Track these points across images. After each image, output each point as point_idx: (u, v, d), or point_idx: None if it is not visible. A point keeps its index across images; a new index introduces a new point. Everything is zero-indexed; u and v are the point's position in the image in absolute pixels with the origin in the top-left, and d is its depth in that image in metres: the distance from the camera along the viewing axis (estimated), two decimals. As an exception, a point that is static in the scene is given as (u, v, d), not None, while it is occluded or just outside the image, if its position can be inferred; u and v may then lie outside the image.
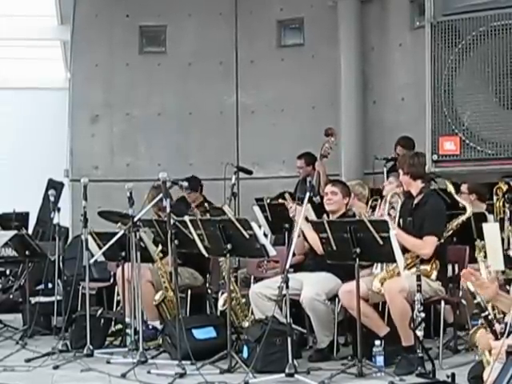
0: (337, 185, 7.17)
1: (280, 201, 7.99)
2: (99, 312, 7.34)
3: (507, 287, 6.12)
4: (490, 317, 3.99)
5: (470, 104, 3.07)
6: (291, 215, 6.92)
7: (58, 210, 7.61)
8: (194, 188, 8.92)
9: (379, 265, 6.28)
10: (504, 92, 3.01)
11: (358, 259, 5.84)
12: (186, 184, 7.68)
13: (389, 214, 6.40)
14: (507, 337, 3.14)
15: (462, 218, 6.46)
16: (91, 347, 6.82)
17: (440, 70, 3.12)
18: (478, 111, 3.06)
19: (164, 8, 11.46)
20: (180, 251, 6.96)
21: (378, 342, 6.04)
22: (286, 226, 7.25)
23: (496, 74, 3.02)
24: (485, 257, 4.58)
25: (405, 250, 6.10)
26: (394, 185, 7.13)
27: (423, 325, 5.82)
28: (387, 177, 8.24)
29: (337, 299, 6.58)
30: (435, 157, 3.15)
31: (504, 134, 3.02)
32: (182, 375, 6.00)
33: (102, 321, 7.33)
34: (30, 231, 10.14)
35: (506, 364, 3.06)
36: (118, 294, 8.01)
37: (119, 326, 7.56)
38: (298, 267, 7.12)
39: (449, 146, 3.11)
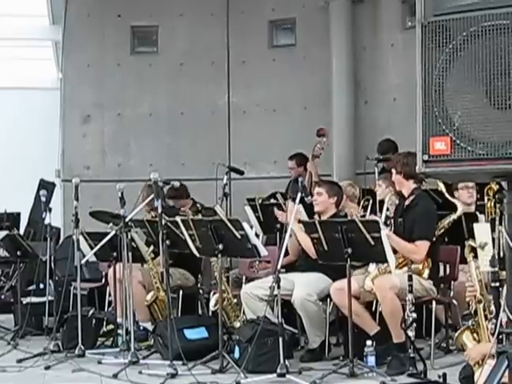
0: (323, 185, 7.16)
1: (272, 201, 7.99)
2: (91, 312, 7.34)
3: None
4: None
5: (460, 104, 3.07)
6: (279, 218, 6.95)
7: (50, 210, 7.59)
8: (181, 196, 8.82)
9: (374, 264, 6.29)
10: (494, 92, 3.01)
11: (349, 259, 5.85)
12: (177, 184, 7.66)
13: (387, 217, 6.41)
14: (497, 337, 3.15)
15: (454, 216, 6.47)
16: (83, 347, 6.81)
17: (431, 70, 3.12)
18: (469, 111, 3.06)
19: (155, 8, 11.44)
20: (172, 251, 6.95)
21: (369, 342, 6.05)
22: (278, 226, 7.26)
23: (486, 74, 3.02)
24: (474, 257, 4.59)
25: (396, 250, 6.11)
26: (384, 186, 7.14)
27: (415, 325, 5.83)
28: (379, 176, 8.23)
29: (328, 299, 6.59)
30: (426, 157, 3.14)
31: (494, 134, 3.02)
32: (173, 375, 6.00)
33: (94, 321, 7.33)
34: (22, 231, 10.11)
35: (496, 364, 3.06)
36: (110, 295, 8.01)
37: (111, 327, 7.55)
38: (289, 267, 7.13)
39: (439, 146, 3.10)
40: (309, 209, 7.19)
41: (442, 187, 6.52)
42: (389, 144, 9.02)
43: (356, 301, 6.16)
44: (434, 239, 6.34)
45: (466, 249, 4.63)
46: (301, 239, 6.78)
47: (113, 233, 6.91)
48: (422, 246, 6.18)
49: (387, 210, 6.47)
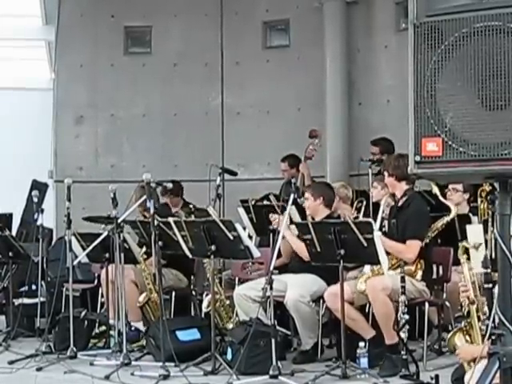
0: (307, 189, 7.17)
1: (265, 202, 7.99)
2: (83, 314, 7.32)
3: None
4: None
5: (452, 105, 3.06)
6: (274, 226, 6.94)
7: (42, 211, 7.56)
8: (175, 193, 8.89)
9: (368, 266, 6.28)
10: (486, 93, 3.00)
11: (342, 261, 5.84)
12: (170, 185, 7.66)
13: (382, 219, 6.42)
14: (488, 339, 3.15)
15: (447, 218, 6.47)
16: (75, 349, 6.81)
17: (423, 71, 3.11)
18: (461, 112, 3.05)
19: (149, 8, 11.43)
20: (164, 252, 6.93)
21: (362, 344, 6.06)
22: (271, 227, 7.24)
23: (478, 76, 3.01)
24: (468, 258, 4.59)
25: (389, 252, 6.10)
26: (379, 188, 7.14)
27: (407, 326, 5.83)
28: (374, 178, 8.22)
29: (321, 301, 6.58)
30: (418, 158, 3.13)
31: (486, 135, 3.01)
32: (165, 377, 6.00)
33: (86, 322, 7.32)
34: (14, 232, 10.08)
35: (488, 365, 3.06)
36: (102, 296, 7.99)
37: (103, 328, 7.53)
38: (282, 269, 7.13)
39: (431, 147, 3.09)
40: (302, 210, 7.19)
41: (435, 190, 6.51)
42: (388, 145, 9.01)
43: (351, 306, 6.16)
44: (427, 241, 6.34)
45: (460, 250, 4.62)
46: (293, 244, 6.77)
47: (105, 234, 6.90)
48: (414, 245, 6.18)
49: (383, 212, 6.48)
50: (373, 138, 9.54)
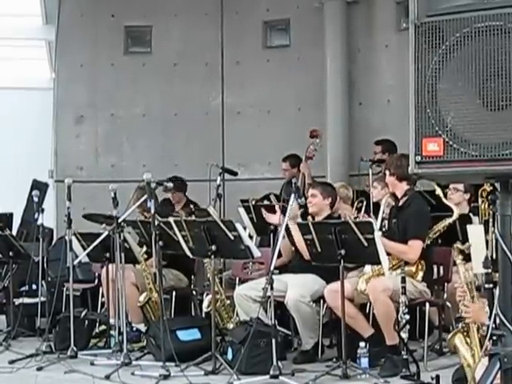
0: (316, 187, 7.16)
1: (266, 202, 7.99)
2: (83, 313, 7.32)
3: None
4: None
5: (453, 105, 3.06)
6: (269, 220, 6.96)
7: (42, 210, 7.56)
8: (179, 188, 8.93)
9: (369, 266, 6.28)
10: (487, 93, 3.00)
11: (342, 261, 5.84)
12: (170, 185, 7.66)
13: (383, 219, 6.42)
14: (489, 339, 3.15)
15: (449, 220, 6.46)
16: (75, 349, 6.81)
17: (424, 71, 3.11)
18: (462, 112, 3.05)
19: (149, 8, 11.42)
20: (165, 252, 6.93)
21: (362, 344, 6.05)
22: (271, 227, 7.24)
23: (479, 76, 3.01)
24: (463, 259, 4.58)
25: (390, 252, 6.10)
26: (379, 188, 7.14)
27: (408, 327, 5.83)
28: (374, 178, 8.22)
29: (322, 301, 6.58)
30: (418, 158, 3.13)
31: (487, 135, 3.01)
32: (166, 377, 6.00)
33: (86, 322, 7.32)
34: (14, 232, 10.07)
35: (489, 366, 3.06)
36: (103, 296, 7.99)
37: (103, 328, 7.53)
38: (283, 269, 7.12)
39: (432, 147, 3.09)
40: (302, 210, 7.18)
41: (439, 191, 6.50)
42: (390, 145, 9.00)
43: (350, 303, 6.16)
44: (429, 242, 6.34)
45: (455, 251, 4.62)
46: (297, 239, 6.76)
47: (105, 233, 6.90)
48: (415, 245, 6.18)
49: (383, 212, 6.47)
50: (373, 138, 9.56)
